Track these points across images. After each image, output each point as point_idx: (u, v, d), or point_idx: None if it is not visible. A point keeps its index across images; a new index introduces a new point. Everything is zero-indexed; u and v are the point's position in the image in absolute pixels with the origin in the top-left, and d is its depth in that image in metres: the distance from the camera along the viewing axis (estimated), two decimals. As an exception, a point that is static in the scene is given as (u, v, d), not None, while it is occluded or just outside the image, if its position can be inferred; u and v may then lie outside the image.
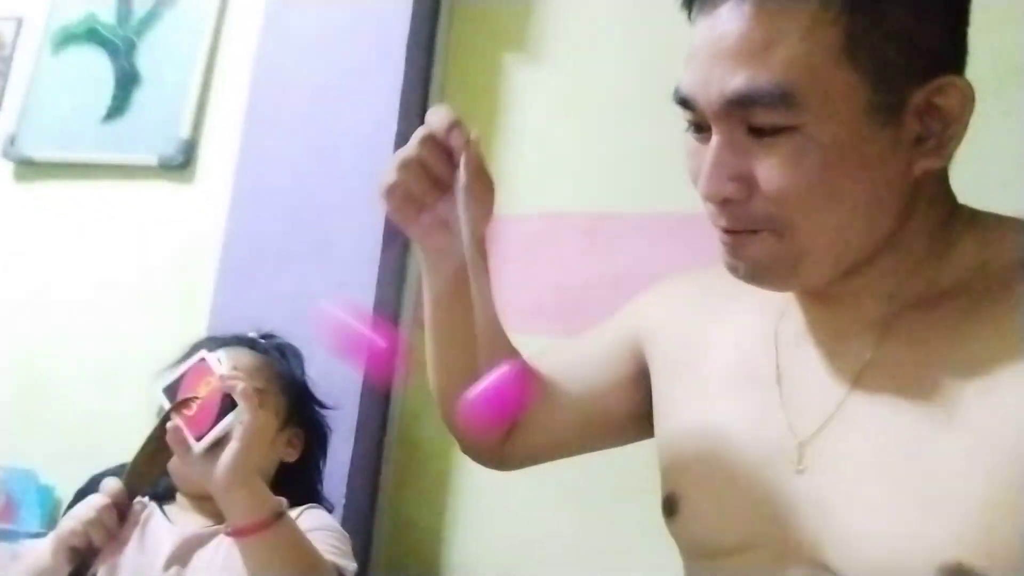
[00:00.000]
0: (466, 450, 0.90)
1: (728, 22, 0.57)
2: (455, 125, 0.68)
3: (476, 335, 0.81)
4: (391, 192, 0.70)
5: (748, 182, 0.59)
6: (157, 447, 0.84)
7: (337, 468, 1.30)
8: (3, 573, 0.99)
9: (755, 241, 0.61)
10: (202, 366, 0.85)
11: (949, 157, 0.61)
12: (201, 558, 0.97)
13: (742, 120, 0.58)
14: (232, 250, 1.51)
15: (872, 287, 0.64)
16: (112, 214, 1.76)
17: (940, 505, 0.55)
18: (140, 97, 1.77)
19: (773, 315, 0.72)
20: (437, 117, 0.69)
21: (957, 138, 0.60)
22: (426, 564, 1.40)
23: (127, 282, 1.70)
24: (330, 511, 1.16)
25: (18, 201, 1.85)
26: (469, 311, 0.78)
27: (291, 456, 1.12)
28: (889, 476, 0.58)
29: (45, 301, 1.76)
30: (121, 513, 0.85)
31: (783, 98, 0.56)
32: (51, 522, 1.52)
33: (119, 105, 1.77)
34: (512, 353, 0.89)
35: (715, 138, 0.59)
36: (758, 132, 0.58)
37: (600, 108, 1.43)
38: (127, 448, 1.07)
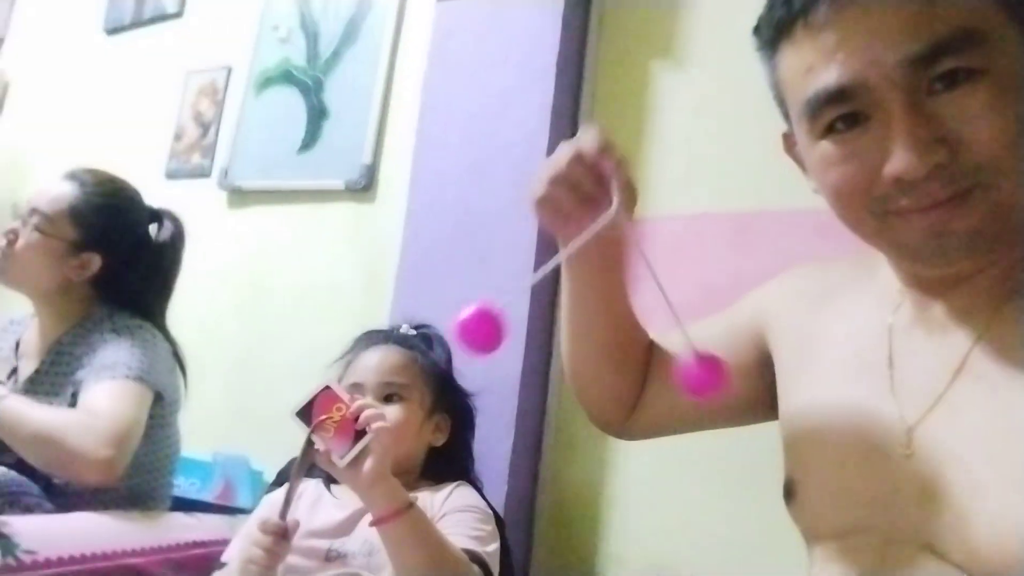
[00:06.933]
0: (593, 421, 0.95)
1: (875, 2, 0.59)
2: (606, 149, 0.71)
3: (606, 326, 0.88)
4: (542, 204, 0.75)
5: (949, 142, 0.58)
6: (304, 460, 1.02)
7: (499, 459, 1.38)
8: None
9: (967, 206, 0.59)
10: (329, 393, 1.01)
11: None
12: (364, 528, 1.09)
13: (923, 80, 0.58)
14: (408, 260, 1.65)
15: (993, 266, 0.64)
16: (307, 233, 1.97)
17: None
18: (328, 129, 1.97)
19: (888, 308, 0.73)
20: (588, 139, 0.72)
21: None
22: (583, 551, 1.43)
23: (321, 290, 1.90)
24: (479, 488, 1.24)
25: (232, 224, 2.12)
26: (601, 304, 0.85)
27: (439, 440, 1.24)
28: (992, 460, 0.59)
29: (254, 309, 2.00)
30: (283, 532, 1.01)
31: (972, 38, 0.57)
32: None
33: (311, 137, 1.99)
34: (643, 337, 0.94)
35: (899, 111, 0.58)
36: (947, 85, 0.58)
37: (744, 107, 1.39)
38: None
